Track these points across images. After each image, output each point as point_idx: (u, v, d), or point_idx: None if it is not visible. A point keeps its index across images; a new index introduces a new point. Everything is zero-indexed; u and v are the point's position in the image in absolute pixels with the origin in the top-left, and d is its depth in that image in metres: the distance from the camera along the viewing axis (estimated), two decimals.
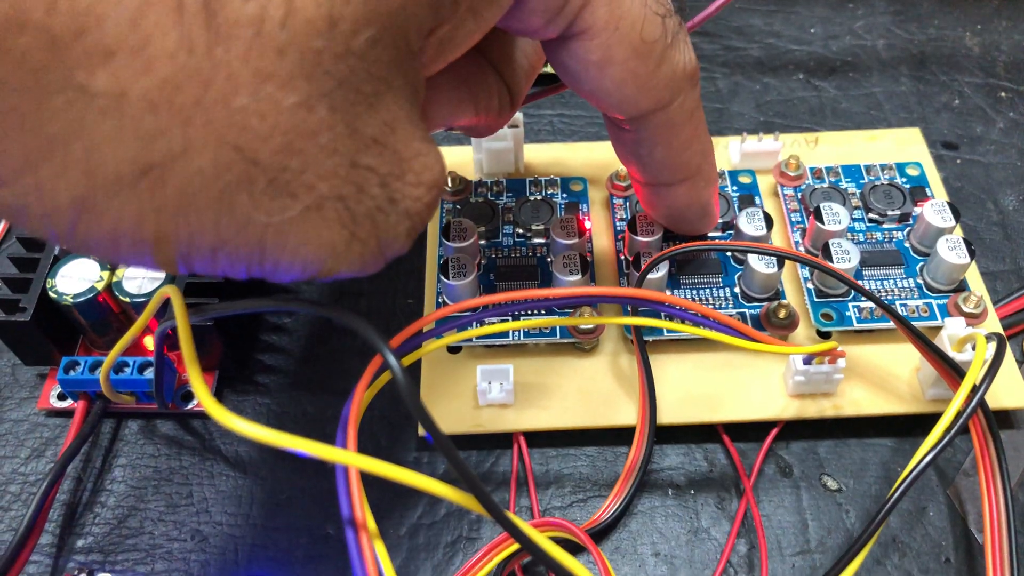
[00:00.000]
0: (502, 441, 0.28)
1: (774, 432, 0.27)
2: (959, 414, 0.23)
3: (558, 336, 0.28)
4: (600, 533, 0.26)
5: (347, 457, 0.17)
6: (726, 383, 0.28)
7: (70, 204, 0.14)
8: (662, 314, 0.27)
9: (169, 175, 0.14)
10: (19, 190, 0.14)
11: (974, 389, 0.24)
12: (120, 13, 0.13)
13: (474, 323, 0.27)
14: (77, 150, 0.14)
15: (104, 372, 0.25)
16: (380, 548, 0.18)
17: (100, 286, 0.27)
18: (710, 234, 0.30)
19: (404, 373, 0.16)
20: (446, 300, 0.28)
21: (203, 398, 0.16)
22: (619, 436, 0.27)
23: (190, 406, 0.28)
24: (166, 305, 0.20)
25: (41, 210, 0.14)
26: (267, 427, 0.17)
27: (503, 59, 0.24)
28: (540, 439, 0.28)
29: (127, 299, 0.27)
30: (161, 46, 0.13)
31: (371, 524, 0.18)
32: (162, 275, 0.27)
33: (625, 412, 0.27)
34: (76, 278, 0.27)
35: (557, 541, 0.24)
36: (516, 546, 0.23)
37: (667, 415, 0.27)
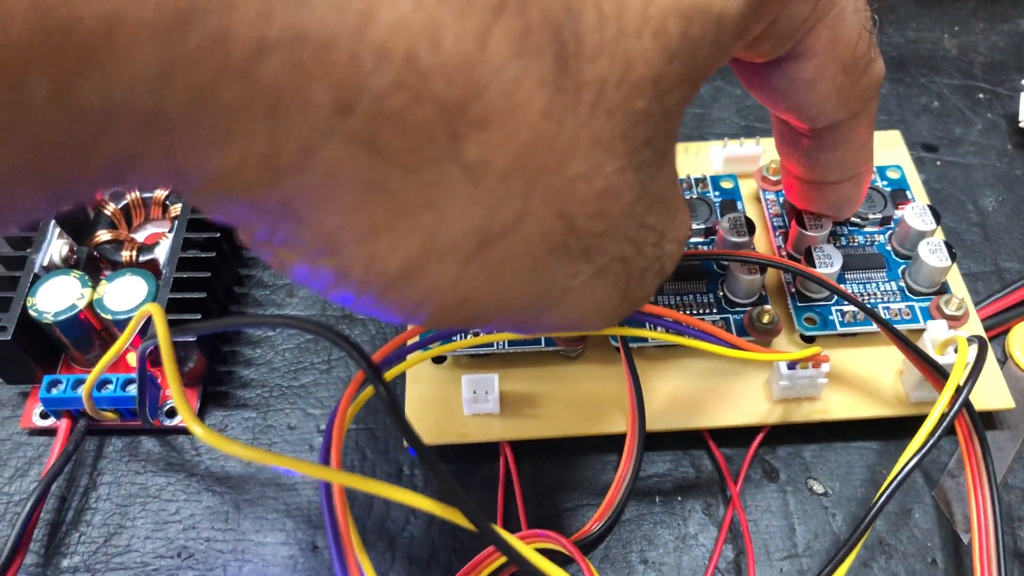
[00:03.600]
0: (489, 451, 0.28)
1: (760, 437, 0.27)
2: (944, 415, 0.24)
3: (543, 345, 0.28)
4: (589, 542, 0.26)
5: (330, 474, 0.17)
6: (711, 389, 0.28)
7: (395, 272, 0.13)
8: (647, 323, 0.27)
9: (500, 243, 0.14)
10: (347, 259, 0.13)
11: (958, 390, 0.24)
12: (500, 82, 0.12)
13: (459, 335, 0.27)
14: (427, 220, 0.13)
15: (86, 390, 0.24)
16: (365, 562, 0.18)
17: (81, 303, 0.26)
18: (691, 241, 0.30)
19: (386, 389, 0.16)
20: None
21: (187, 418, 0.16)
22: (605, 443, 0.27)
23: (174, 422, 0.28)
24: (148, 321, 0.20)
25: (363, 277, 0.14)
26: (250, 446, 0.17)
27: None
28: (527, 448, 0.28)
29: (109, 316, 0.26)
30: (526, 114, 0.13)
31: (355, 539, 0.18)
32: (143, 292, 0.27)
33: (612, 420, 0.27)
34: (57, 296, 0.26)
35: (545, 552, 0.24)
36: (503, 559, 0.23)
37: (653, 422, 0.27)
